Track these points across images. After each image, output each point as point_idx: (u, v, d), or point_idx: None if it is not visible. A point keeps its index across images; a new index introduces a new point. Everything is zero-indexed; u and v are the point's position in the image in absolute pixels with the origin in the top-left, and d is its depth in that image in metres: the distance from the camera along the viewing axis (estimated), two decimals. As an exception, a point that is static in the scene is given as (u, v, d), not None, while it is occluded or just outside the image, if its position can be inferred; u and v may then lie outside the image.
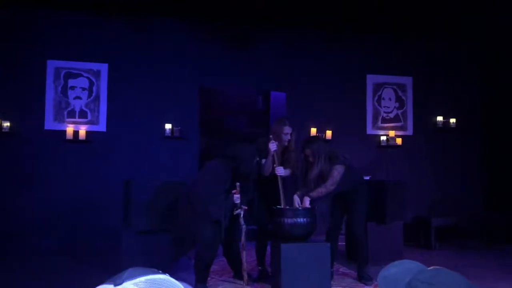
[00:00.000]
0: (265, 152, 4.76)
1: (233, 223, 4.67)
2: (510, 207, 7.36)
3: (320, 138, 4.98)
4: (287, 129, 4.85)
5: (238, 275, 4.90)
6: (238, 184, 4.51)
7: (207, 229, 4.44)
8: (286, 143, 4.88)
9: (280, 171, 4.68)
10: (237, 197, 4.50)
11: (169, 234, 5.15)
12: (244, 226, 4.66)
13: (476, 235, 7.34)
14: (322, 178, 4.70)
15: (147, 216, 4.99)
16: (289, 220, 4.37)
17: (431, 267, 1.02)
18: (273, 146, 4.68)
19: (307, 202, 4.57)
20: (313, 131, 7.48)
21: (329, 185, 4.60)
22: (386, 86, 7.99)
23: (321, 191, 4.59)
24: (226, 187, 4.49)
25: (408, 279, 1.00)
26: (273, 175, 4.77)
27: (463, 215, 7.48)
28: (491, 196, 7.91)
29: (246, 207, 4.63)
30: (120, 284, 0.79)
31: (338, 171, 4.64)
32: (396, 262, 1.09)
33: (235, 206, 4.54)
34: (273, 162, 4.71)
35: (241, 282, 4.78)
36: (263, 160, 4.82)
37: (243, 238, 4.69)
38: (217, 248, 4.61)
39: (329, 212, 5.04)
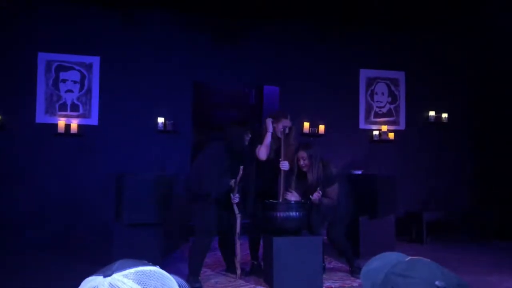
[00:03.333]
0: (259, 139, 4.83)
1: (229, 212, 4.69)
2: (501, 202, 7.42)
3: (314, 145, 5.01)
4: (286, 122, 4.87)
5: (230, 269, 4.91)
6: (241, 167, 4.59)
7: (205, 215, 4.46)
8: (279, 134, 4.85)
9: (285, 165, 4.68)
10: (241, 168, 4.55)
11: (161, 227, 5.15)
12: (239, 215, 4.68)
13: (467, 230, 7.40)
14: (310, 188, 4.74)
15: (139, 209, 4.98)
16: (282, 214, 4.39)
17: (408, 258, 1.01)
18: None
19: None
20: (306, 125, 7.48)
21: (335, 202, 4.77)
22: (379, 80, 8.01)
23: (327, 201, 4.73)
24: (223, 166, 4.54)
25: (385, 272, 1.00)
26: (271, 169, 4.79)
27: (454, 210, 7.54)
28: (482, 191, 7.96)
29: (238, 196, 4.66)
30: (110, 275, 0.79)
31: (334, 191, 4.77)
32: (379, 255, 1.09)
33: (229, 186, 4.56)
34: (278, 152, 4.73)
35: (234, 276, 4.79)
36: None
37: (238, 228, 4.70)
38: (214, 236, 4.63)
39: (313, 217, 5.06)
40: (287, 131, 4.85)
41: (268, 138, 4.77)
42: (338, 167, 5.09)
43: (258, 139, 4.88)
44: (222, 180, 4.51)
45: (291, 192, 4.71)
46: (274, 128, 4.83)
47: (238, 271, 4.74)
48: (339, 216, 4.97)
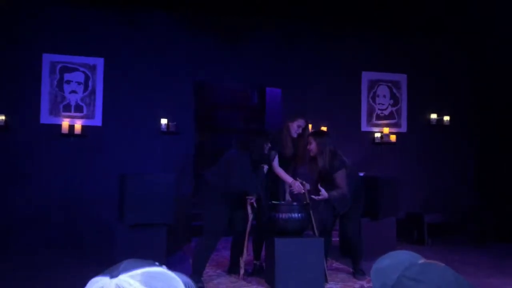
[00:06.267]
0: (279, 144, 4.92)
1: (244, 213, 4.74)
2: (502, 204, 7.42)
3: (327, 134, 5.06)
4: (301, 122, 4.95)
5: (233, 269, 4.94)
6: (265, 166, 4.78)
7: (218, 216, 4.52)
8: (295, 135, 4.95)
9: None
10: (266, 168, 4.74)
11: (164, 228, 5.18)
12: (251, 215, 4.72)
13: (468, 232, 7.40)
14: (320, 175, 4.76)
15: (141, 210, 5.00)
16: (284, 215, 4.41)
17: (421, 261, 1.01)
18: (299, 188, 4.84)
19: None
20: (309, 127, 7.48)
21: (342, 191, 4.70)
22: (381, 83, 8.02)
23: (338, 195, 4.69)
24: (251, 170, 4.66)
25: (397, 274, 0.99)
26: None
27: (455, 212, 7.54)
28: (483, 193, 7.96)
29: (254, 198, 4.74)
30: (116, 276, 0.79)
31: (340, 177, 4.72)
32: (390, 253, 1.07)
33: (264, 175, 4.74)
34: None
35: (236, 276, 4.81)
36: (273, 153, 4.92)
37: (248, 228, 4.74)
38: (221, 237, 4.68)
39: (321, 211, 5.06)
40: (300, 131, 4.95)
41: (287, 180, 4.92)
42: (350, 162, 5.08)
43: (276, 144, 4.93)
44: (259, 176, 4.69)
45: (299, 180, 4.82)
46: (288, 127, 4.94)
47: (242, 271, 4.77)
48: (353, 211, 4.94)
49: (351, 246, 5.06)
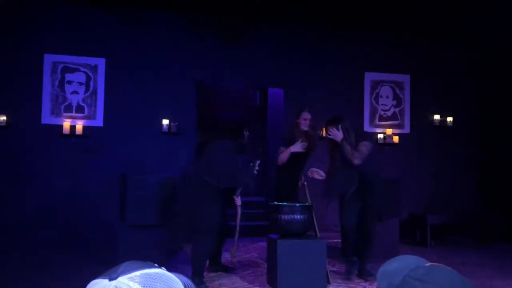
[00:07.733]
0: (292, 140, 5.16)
1: (224, 211, 4.74)
2: (505, 205, 7.39)
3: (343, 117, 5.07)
4: (306, 115, 5.26)
5: (213, 267, 5.03)
6: (258, 162, 4.79)
7: (210, 214, 4.48)
8: (305, 128, 5.25)
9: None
10: (258, 163, 4.74)
11: (165, 228, 5.16)
12: (239, 207, 4.74)
13: (471, 233, 7.37)
14: (342, 159, 4.74)
15: (142, 210, 4.99)
16: (286, 217, 4.39)
17: (428, 264, 1.00)
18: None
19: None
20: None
21: (356, 157, 4.64)
22: (384, 83, 8.00)
23: (351, 152, 4.64)
24: (233, 159, 4.63)
25: (403, 275, 0.99)
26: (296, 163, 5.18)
27: (458, 213, 7.51)
28: (486, 194, 7.93)
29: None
30: (115, 278, 0.79)
31: (366, 147, 4.72)
32: (398, 257, 1.08)
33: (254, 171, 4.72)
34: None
35: (237, 276, 4.81)
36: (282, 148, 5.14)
37: (238, 220, 4.77)
38: (215, 236, 4.63)
39: (345, 208, 4.93)
40: (308, 123, 5.25)
41: (296, 148, 5.11)
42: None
43: (290, 143, 5.17)
44: (247, 171, 4.66)
45: (316, 170, 4.87)
46: (298, 124, 5.25)
47: (233, 251, 4.90)
48: (373, 205, 4.86)
49: (368, 243, 4.88)
